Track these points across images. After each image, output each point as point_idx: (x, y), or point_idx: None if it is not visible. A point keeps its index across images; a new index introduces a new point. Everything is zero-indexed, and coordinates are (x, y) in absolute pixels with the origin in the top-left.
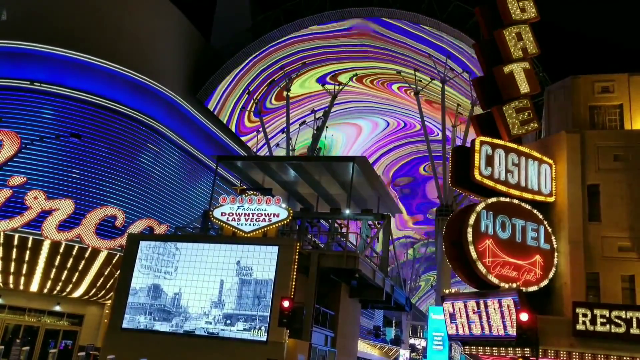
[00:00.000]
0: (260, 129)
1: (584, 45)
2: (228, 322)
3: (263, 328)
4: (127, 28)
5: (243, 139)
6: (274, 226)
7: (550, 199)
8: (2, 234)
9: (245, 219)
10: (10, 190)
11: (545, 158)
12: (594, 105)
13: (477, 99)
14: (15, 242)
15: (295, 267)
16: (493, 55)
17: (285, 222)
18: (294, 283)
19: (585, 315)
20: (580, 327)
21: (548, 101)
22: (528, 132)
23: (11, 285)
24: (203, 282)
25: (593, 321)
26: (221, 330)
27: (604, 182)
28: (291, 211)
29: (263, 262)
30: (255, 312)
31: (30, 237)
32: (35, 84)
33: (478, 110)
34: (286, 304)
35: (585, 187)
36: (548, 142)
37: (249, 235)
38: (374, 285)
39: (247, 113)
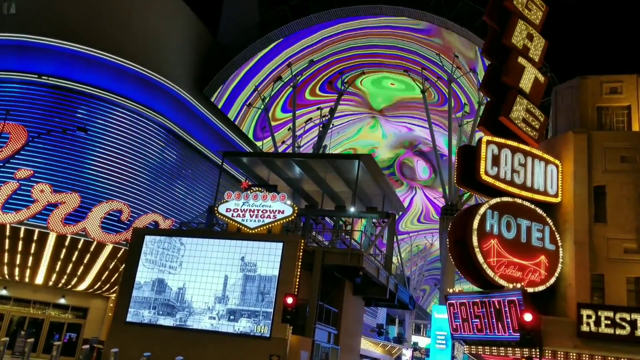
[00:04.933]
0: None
1: (592, 46)
2: (232, 317)
3: (266, 324)
4: (134, 23)
5: (254, 138)
6: (278, 223)
7: (556, 200)
8: (8, 226)
9: (250, 215)
10: (17, 183)
11: (551, 158)
12: (602, 106)
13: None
14: (22, 235)
15: (300, 263)
16: (499, 47)
17: (290, 218)
18: (297, 280)
19: (589, 316)
20: (584, 328)
21: (555, 101)
22: (524, 133)
23: (17, 278)
24: (207, 277)
25: (597, 323)
26: (225, 325)
27: (610, 183)
28: (296, 208)
29: (267, 258)
30: (258, 308)
31: (36, 230)
32: (42, 77)
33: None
34: (290, 300)
35: (592, 188)
36: (555, 142)
37: (253, 231)
38: (378, 283)
39: (253, 109)
